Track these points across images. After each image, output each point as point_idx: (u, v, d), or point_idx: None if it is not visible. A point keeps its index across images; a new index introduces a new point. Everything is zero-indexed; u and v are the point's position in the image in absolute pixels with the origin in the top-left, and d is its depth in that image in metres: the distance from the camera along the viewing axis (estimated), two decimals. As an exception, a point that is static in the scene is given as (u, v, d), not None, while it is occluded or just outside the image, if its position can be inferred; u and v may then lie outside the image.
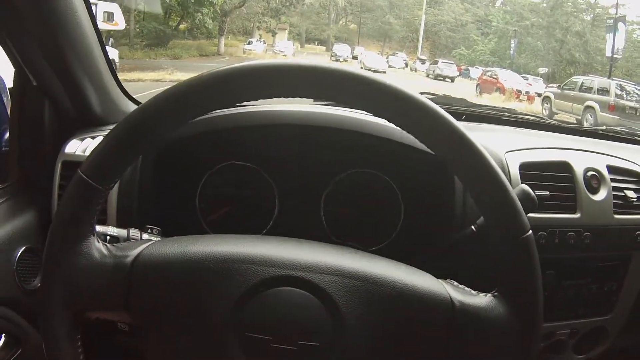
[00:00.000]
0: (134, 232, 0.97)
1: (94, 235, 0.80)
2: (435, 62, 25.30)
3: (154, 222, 1.06)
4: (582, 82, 16.30)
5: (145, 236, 1.01)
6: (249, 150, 1.33)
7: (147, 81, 12.39)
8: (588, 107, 14.75)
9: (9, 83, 1.44)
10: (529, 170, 1.32)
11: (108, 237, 0.92)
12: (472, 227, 1.12)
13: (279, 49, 23.06)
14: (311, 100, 0.82)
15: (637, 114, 14.03)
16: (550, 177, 1.35)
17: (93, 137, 1.33)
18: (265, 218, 1.35)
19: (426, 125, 0.76)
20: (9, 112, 1.44)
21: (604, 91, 15.22)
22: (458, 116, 1.45)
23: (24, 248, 1.25)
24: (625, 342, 1.57)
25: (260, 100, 0.78)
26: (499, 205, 0.77)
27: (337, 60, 24.67)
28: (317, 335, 0.75)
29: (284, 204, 1.36)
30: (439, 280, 0.82)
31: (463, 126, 0.76)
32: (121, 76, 1.49)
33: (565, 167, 1.38)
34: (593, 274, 1.41)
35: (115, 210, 1.24)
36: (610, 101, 14.53)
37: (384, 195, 1.35)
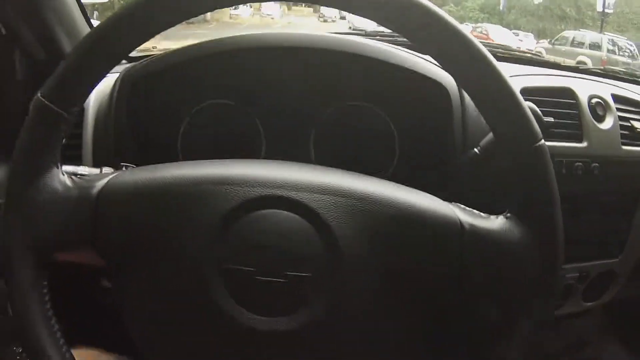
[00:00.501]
0: (107, 170, 0.87)
1: (58, 168, 0.72)
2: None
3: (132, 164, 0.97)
4: (574, 37, 16.27)
5: None
6: (230, 84, 1.24)
7: (133, 53, 12.22)
8: (580, 62, 14.68)
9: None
10: (531, 96, 1.24)
11: (78, 176, 0.84)
12: (475, 149, 1.05)
13: (266, 12, 22.78)
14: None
15: (630, 69, 14.01)
16: (554, 103, 1.28)
17: None
18: (252, 158, 1.27)
19: (428, 29, 0.68)
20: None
21: (596, 46, 15.21)
22: None
23: None
24: (633, 290, 1.52)
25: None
26: (509, 113, 0.68)
27: (325, 21, 24.48)
28: (308, 264, 0.67)
29: (270, 142, 1.28)
30: (445, 202, 0.74)
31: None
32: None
33: (568, 93, 1.31)
34: (602, 210, 1.35)
35: (90, 150, 1.16)
36: (602, 56, 14.49)
37: (377, 128, 1.27)
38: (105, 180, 0.72)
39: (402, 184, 0.76)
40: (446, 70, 0.71)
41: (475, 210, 0.74)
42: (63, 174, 0.72)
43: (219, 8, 0.69)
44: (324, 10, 26.79)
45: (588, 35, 16.28)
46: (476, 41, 0.68)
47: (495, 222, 0.71)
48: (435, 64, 1.16)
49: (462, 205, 0.74)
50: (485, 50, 0.68)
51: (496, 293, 0.73)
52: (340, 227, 0.67)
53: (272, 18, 22.46)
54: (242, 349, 0.69)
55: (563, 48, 15.78)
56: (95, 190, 0.71)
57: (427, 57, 1.18)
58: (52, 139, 0.70)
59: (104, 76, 0.72)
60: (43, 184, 0.70)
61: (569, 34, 17.02)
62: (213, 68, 1.20)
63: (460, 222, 0.70)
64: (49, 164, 0.70)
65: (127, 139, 1.16)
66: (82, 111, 1.17)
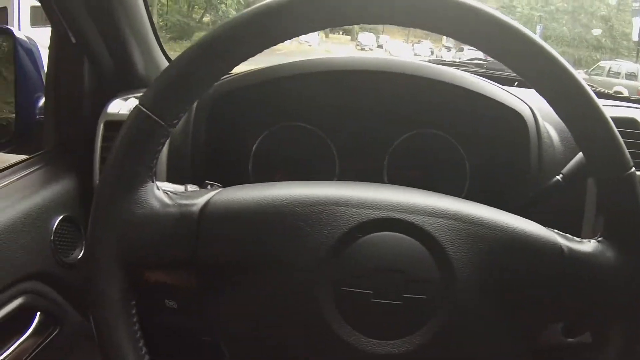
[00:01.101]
0: (192, 188, 0.85)
1: (153, 182, 0.69)
2: (461, 50, 24.91)
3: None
4: (610, 67, 16.14)
5: None
6: (305, 107, 1.24)
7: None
8: (616, 92, 14.49)
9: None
10: None
11: (178, 193, 0.81)
12: (558, 177, 1.05)
13: (304, 39, 22.88)
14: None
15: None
16: (621, 134, 1.25)
17: (138, 97, 1.24)
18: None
19: (521, 53, 0.67)
20: (44, 79, 1.34)
21: (632, 76, 15.07)
22: (510, 82, 1.39)
23: (61, 217, 1.15)
24: None
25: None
26: (605, 141, 0.69)
27: (362, 49, 24.56)
28: (423, 287, 0.65)
29: (344, 166, 1.27)
30: (544, 227, 0.73)
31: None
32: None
33: (633, 123, 1.28)
34: None
35: (165, 166, 1.14)
36: (638, 86, 14.32)
37: (449, 156, 1.27)
38: (206, 198, 0.70)
39: None
40: (543, 96, 0.70)
41: (568, 235, 0.74)
42: (159, 189, 0.70)
43: (329, 27, 0.68)
44: (362, 38, 26.95)
45: (624, 65, 16.15)
46: (571, 69, 0.67)
47: (590, 246, 0.71)
48: (512, 94, 1.16)
49: (557, 230, 0.74)
50: (579, 77, 0.68)
51: (591, 316, 0.73)
52: (453, 249, 0.67)
53: (310, 45, 22.59)
54: None
55: (599, 78, 15.63)
56: (196, 208, 0.69)
57: (504, 87, 1.19)
58: (150, 150, 0.68)
59: (208, 88, 0.70)
60: (138, 198, 0.67)
61: (605, 64, 16.90)
62: (289, 90, 1.19)
63: (560, 246, 0.70)
64: (145, 177, 0.68)
65: (203, 157, 1.15)
66: None
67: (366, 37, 27.19)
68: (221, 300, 0.71)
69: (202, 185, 0.88)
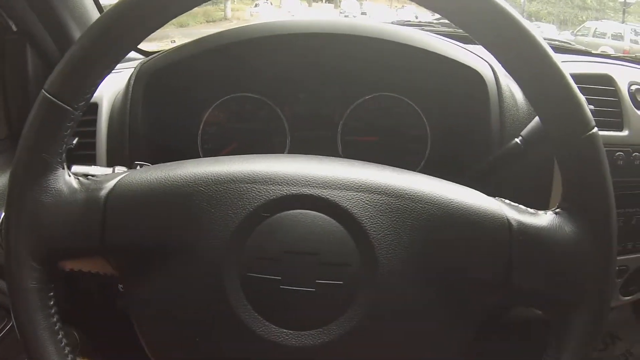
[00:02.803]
0: (120, 169, 0.82)
1: (63, 168, 0.67)
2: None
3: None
4: (596, 28, 16.10)
5: None
6: (251, 76, 1.19)
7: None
8: (602, 52, 14.52)
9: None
10: None
11: (88, 177, 0.74)
12: (517, 140, 0.97)
13: (287, 9, 22.64)
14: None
15: (653, 57, 13.86)
16: (593, 91, 1.20)
17: None
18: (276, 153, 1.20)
19: (475, 11, 0.62)
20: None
21: (619, 36, 15.04)
22: None
23: None
24: None
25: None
26: (561, 98, 0.61)
27: (346, 16, 24.34)
28: (339, 271, 0.60)
29: (295, 137, 1.23)
30: (490, 197, 0.67)
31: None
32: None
33: (607, 80, 1.23)
34: None
35: (104, 149, 1.10)
36: (624, 46, 14.29)
37: (407, 120, 1.22)
38: (114, 181, 0.67)
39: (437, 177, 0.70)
40: (492, 53, 0.64)
41: (521, 206, 0.67)
42: (69, 175, 0.68)
43: None
44: (345, 5, 26.69)
45: (610, 26, 16.11)
46: (525, 23, 0.61)
47: (545, 219, 0.64)
48: (472, 52, 1.11)
49: (508, 201, 0.68)
50: (534, 32, 0.61)
51: (547, 295, 0.65)
52: (375, 228, 0.61)
53: (293, 15, 22.40)
54: None
55: (585, 39, 15.57)
56: (103, 192, 0.66)
57: (463, 45, 1.14)
58: (57, 136, 0.65)
59: (112, 68, 0.67)
60: (46, 186, 0.65)
61: (591, 24, 16.86)
62: (233, 59, 1.14)
63: (508, 220, 0.64)
64: (53, 164, 0.66)
65: (143, 137, 1.11)
66: (95, 108, 1.12)
67: (349, 4, 26.84)
68: (135, 288, 0.68)
69: (133, 166, 0.85)
